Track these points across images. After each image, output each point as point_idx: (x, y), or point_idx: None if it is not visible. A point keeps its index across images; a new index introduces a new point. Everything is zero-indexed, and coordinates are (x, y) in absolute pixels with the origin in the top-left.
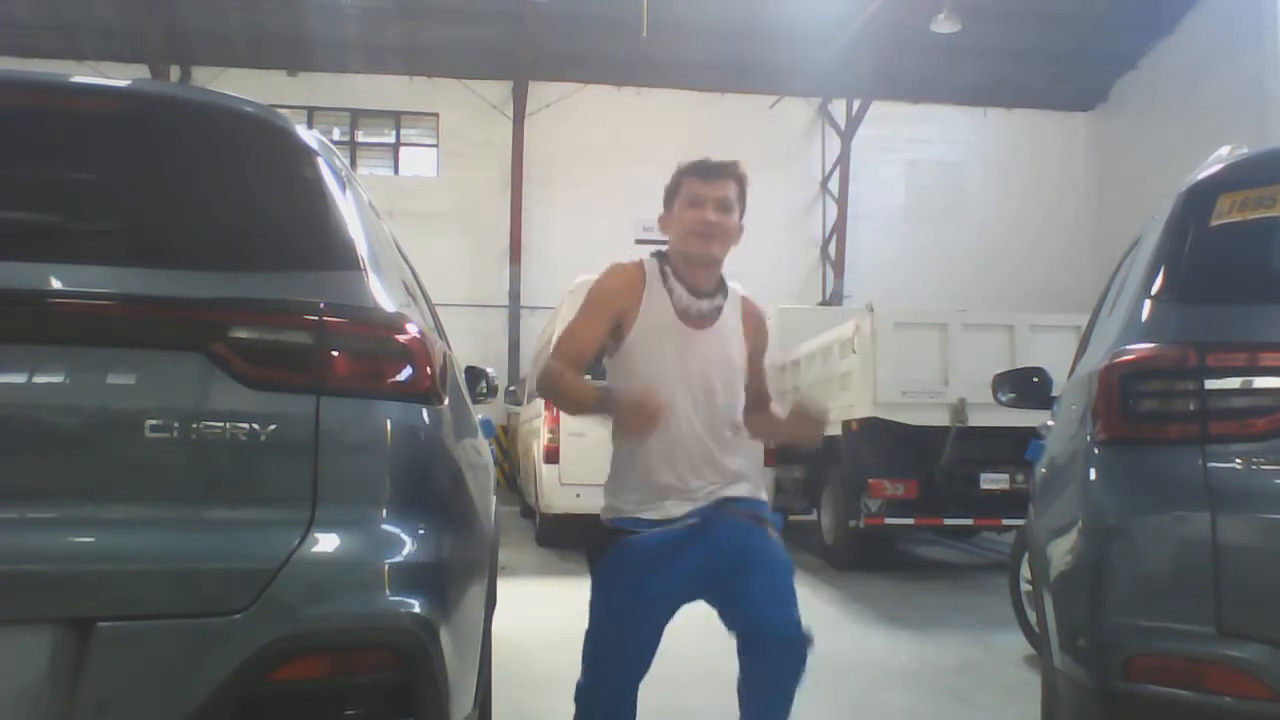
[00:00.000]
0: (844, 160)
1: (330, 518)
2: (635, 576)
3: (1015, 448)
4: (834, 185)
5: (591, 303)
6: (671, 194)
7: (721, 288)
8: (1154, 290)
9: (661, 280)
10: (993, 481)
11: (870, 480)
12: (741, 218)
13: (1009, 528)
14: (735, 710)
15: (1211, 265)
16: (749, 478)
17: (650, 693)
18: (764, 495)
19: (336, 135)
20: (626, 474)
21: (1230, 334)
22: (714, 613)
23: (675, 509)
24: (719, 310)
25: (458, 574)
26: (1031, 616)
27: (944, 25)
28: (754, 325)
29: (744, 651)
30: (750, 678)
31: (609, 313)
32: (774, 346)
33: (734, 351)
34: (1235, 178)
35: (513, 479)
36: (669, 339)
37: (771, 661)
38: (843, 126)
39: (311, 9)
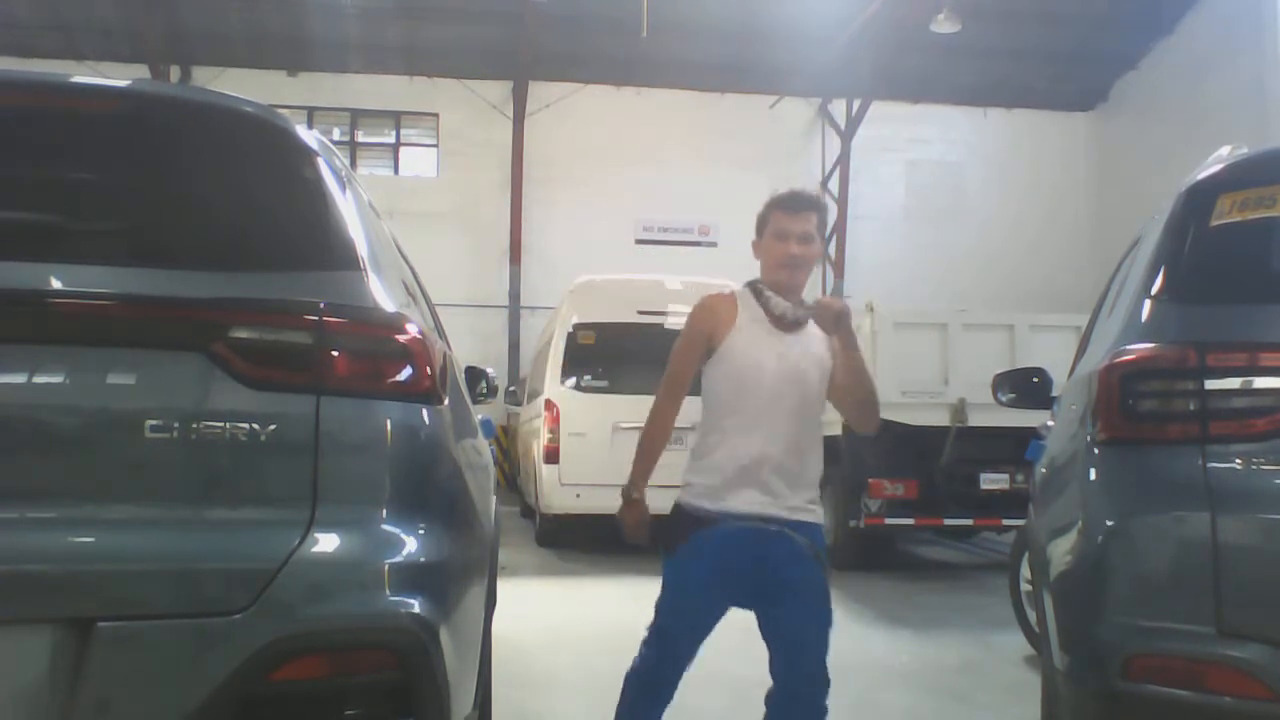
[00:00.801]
0: (844, 160)
1: (330, 518)
2: (709, 573)
3: (1015, 448)
4: (834, 185)
5: (687, 332)
6: (762, 224)
7: (803, 304)
8: (1154, 290)
9: (755, 298)
10: (993, 481)
11: (870, 480)
12: (825, 245)
13: (1009, 528)
14: (735, 710)
15: (1211, 265)
16: (817, 498)
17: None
18: (822, 521)
19: (336, 135)
20: (715, 451)
21: (1230, 334)
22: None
23: (757, 505)
24: (808, 319)
25: (458, 574)
26: (1031, 616)
27: (944, 25)
28: (824, 319)
29: (775, 680)
30: (778, 709)
31: (704, 336)
32: None
33: (823, 360)
34: (1235, 178)
35: (513, 479)
36: (765, 337)
37: (794, 697)
38: (843, 126)
39: (311, 9)
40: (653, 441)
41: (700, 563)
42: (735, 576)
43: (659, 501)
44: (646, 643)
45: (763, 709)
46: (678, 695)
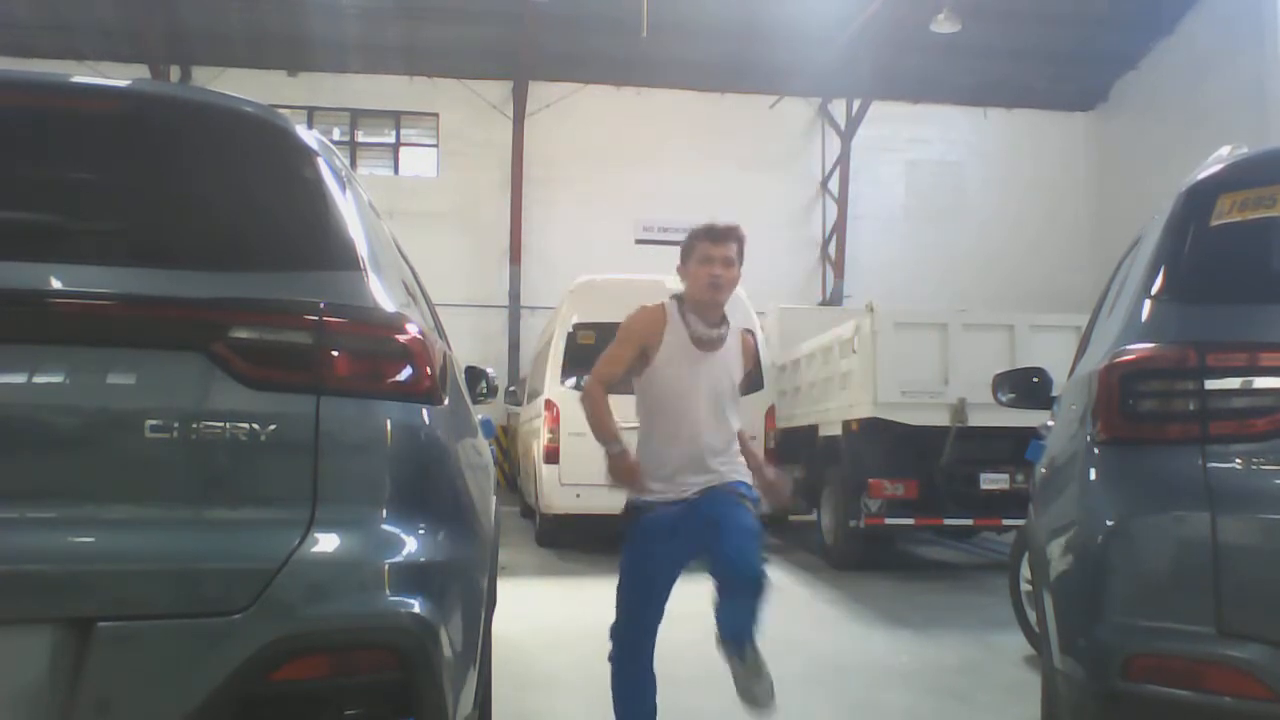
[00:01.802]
0: (844, 160)
1: (330, 518)
2: (648, 544)
3: (1015, 448)
4: (834, 185)
5: (623, 337)
6: (687, 252)
7: (724, 322)
8: (1154, 290)
9: (680, 317)
10: (993, 481)
11: (870, 480)
12: (739, 268)
13: (1009, 528)
14: (735, 709)
15: (1211, 265)
16: (736, 461)
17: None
18: (745, 476)
19: (336, 135)
20: (648, 457)
21: (1230, 334)
22: (710, 617)
23: (685, 489)
24: (723, 339)
25: (458, 574)
26: (1031, 616)
27: (944, 25)
28: (749, 354)
29: (719, 590)
30: (721, 599)
31: (637, 343)
32: (775, 346)
33: (734, 371)
34: (1235, 178)
35: (513, 479)
36: (686, 360)
37: (737, 590)
38: (843, 126)
39: (311, 9)
40: (601, 412)
41: (646, 539)
42: (676, 538)
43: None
44: (614, 625)
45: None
46: (677, 695)
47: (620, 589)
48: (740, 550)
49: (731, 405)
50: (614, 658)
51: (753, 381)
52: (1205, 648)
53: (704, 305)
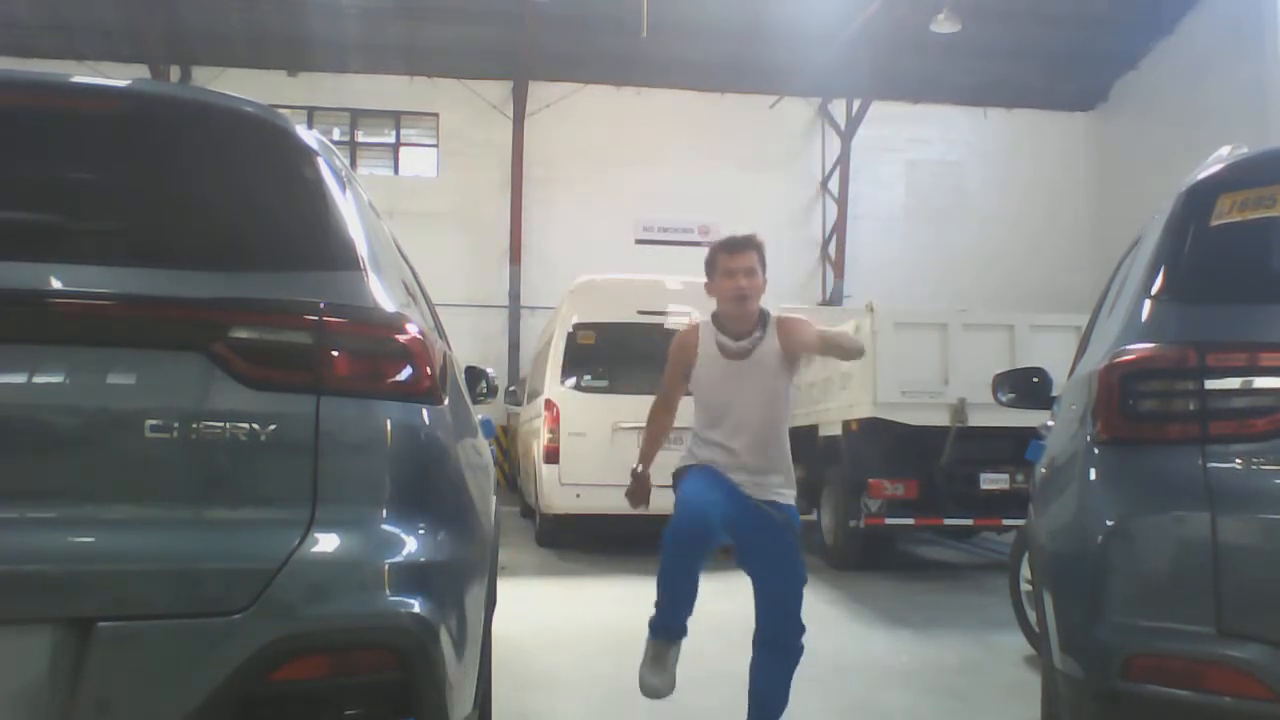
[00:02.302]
0: (844, 160)
1: (330, 518)
2: (701, 485)
3: (1015, 448)
4: (834, 185)
5: (669, 360)
6: (711, 267)
7: (759, 325)
8: (1154, 290)
9: (713, 332)
10: (993, 481)
11: (870, 480)
12: (764, 275)
13: (1009, 528)
14: (735, 710)
15: (1211, 265)
16: (787, 485)
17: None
18: (793, 502)
19: (336, 135)
20: (699, 454)
21: (1230, 334)
22: (711, 617)
23: (727, 467)
24: (755, 346)
25: (458, 574)
26: (1031, 616)
27: (944, 25)
28: (787, 334)
29: (757, 641)
30: (758, 652)
31: (679, 366)
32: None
33: (770, 377)
34: (1235, 178)
35: (513, 479)
36: (718, 371)
37: (776, 654)
38: (843, 126)
39: (311, 9)
40: (652, 434)
41: (697, 475)
42: (728, 492)
43: (660, 501)
44: (674, 516)
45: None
46: (677, 694)
47: (675, 515)
48: (788, 615)
49: (776, 415)
50: (666, 544)
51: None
52: (1205, 648)
53: (733, 317)
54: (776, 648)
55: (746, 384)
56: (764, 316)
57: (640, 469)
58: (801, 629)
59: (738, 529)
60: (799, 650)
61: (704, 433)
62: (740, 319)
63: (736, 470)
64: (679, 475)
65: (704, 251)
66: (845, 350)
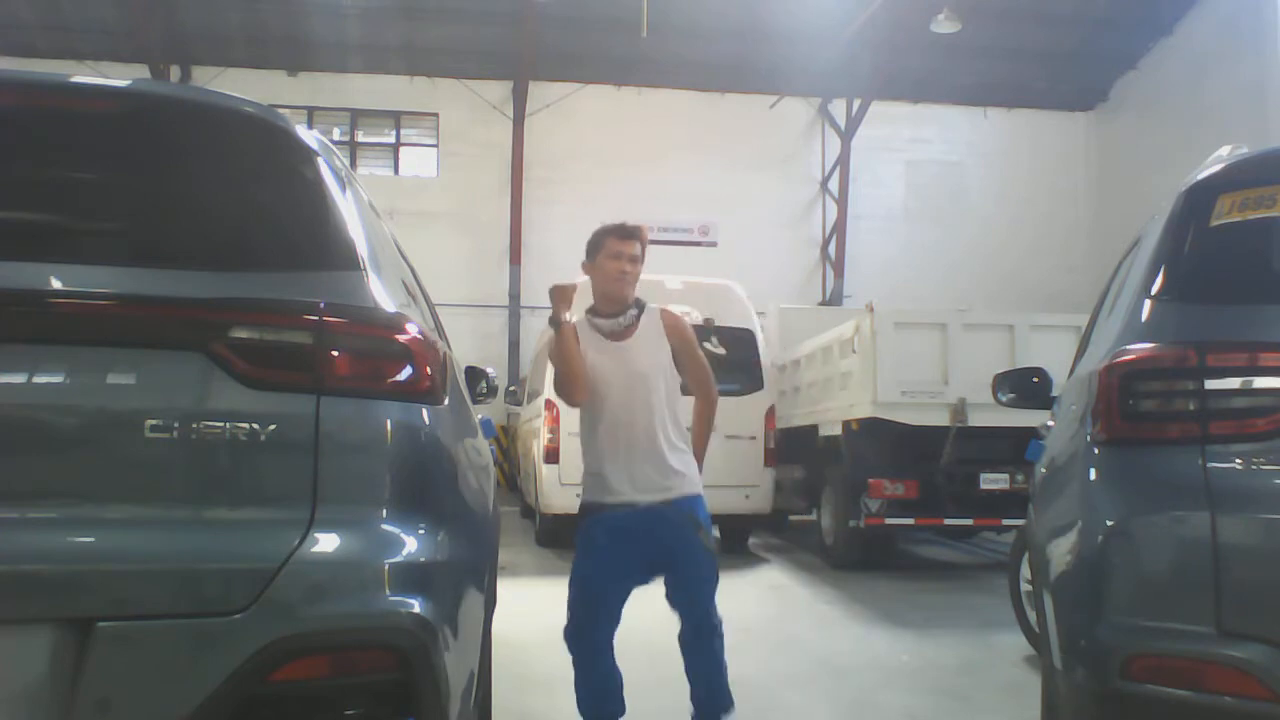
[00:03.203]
0: (844, 160)
1: (330, 518)
2: (595, 548)
3: (1015, 448)
4: (834, 185)
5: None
6: (594, 249)
7: (633, 308)
8: (1154, 290)
9: (589, 321)
10: (993, 481)
11: (870, 480)
12: (641, 267)
13: (1009, 528)
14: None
15: (1211, 265)
16: (688, 474)
17: (647, 694)
18: (699, 489)
19: (336, 135)
20: (588, 466)
21: (1230, 334)
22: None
23: (625, 496)
24: (634, 325)
25: (458, 574)
26: (1031, 616)
27: (944, 25)
28: (671, 329)
29: (681, 644)
30: (685, 655)
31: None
32: (775, 346)
33: (658, 355)
34: (1235, 178)
35: (513, 479)
36: (603, 353)
37: (691, 643)
38: (843, 126)
39: (311, 9)
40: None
41: (593, 550)
42: (623, 558)
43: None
44: (566, 630)
45: (758, 705)
46: (675, 695)
47: (570, 599)
48: (693, 601)
49: (660, 390)
50: (573, 657)
51: (752, 378)
52: (1205, 648)
53: (611, 299)
54: (700, 634)
55: (631, 359)
56: (639, 303)
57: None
58: (714, 612)
59: (641, 570)
60: (717, 627)
61: (592, 447)
62: (617, 301)
63: (625, 482)
64: (577, 526)
65: (704, 251)
66: (699, 372)
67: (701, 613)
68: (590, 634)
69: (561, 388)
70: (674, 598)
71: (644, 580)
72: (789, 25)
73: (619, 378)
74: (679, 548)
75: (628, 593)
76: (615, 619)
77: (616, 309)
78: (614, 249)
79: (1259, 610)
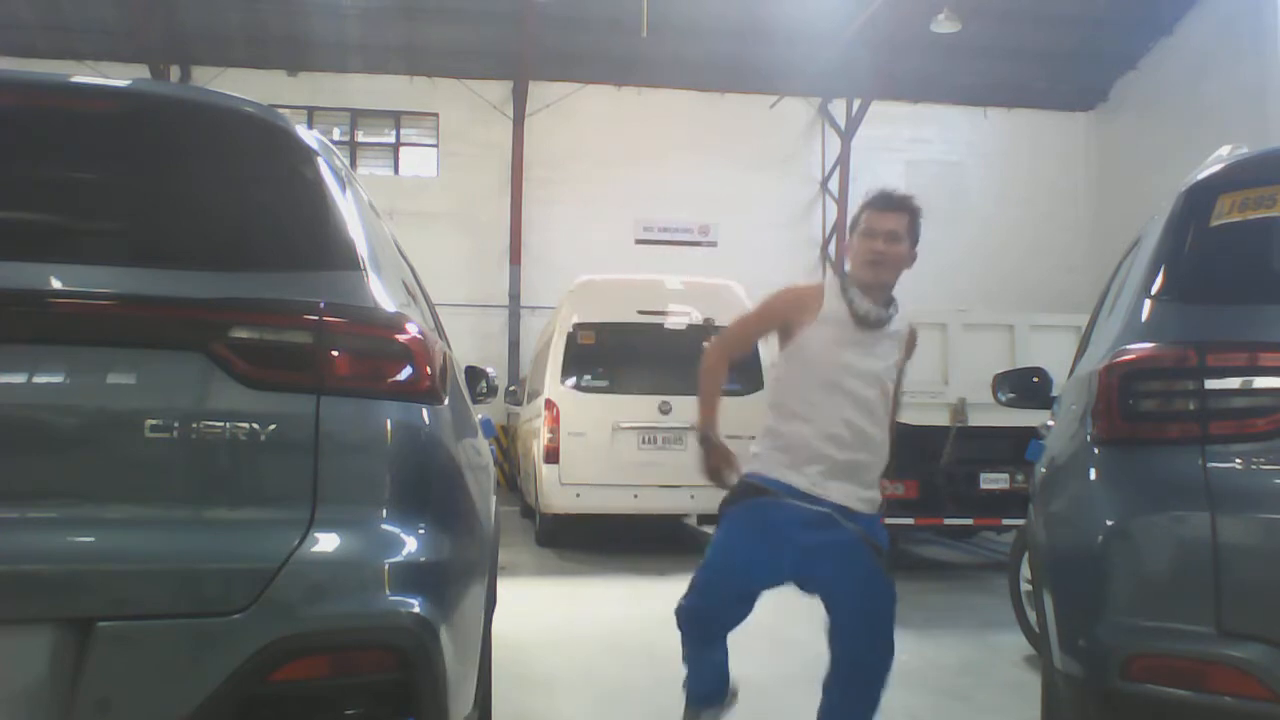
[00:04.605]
0: (844, 160)
1: (330, 518)
2: (752, 534)
3: (1015, 448)
4: (834, 185)
5: (763, 310)
6: (854, 224)
7: (893, 304)
8: (1154, 290)
9: (841, 291)
10: (993, 481)
11: None
12: (914, 246)
13: (1009, 528)
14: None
15: (1211, 265)
16: (877, 490)
17: (656, 692)
18: (876, 509)
19: (336, 135)
20: (782, 436)
21: (1230, 334)
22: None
23: (817, 486)
24: (890, 319)
25: (458, 574)
26: (1031, 616)
27: (944, 25)
28: (909, 344)
29: (831, 678)
30: (832, 690)
31: (777, 321)
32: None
33: (894, 357)
34: (1235, 178)
35: (513, 479)
36: (842, 336)
37: (851, 694)
38: (843, 126)
39: (311, 9)
40: (708, 390)
41: (752, 527)
42: (789, 544)
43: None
44: (689, 588)
45: (758, 706)
46: (677, 691)
47: (701, 570)
48: (875, 636)
49: (884, 404)
50: (682, 633)
51: (753, 379)
52: (1205, 648)
53: (864, 284)
54: (856, 681)
55: (874, 357)
56: (894, 300)
57: (707, 434)
58: (891, 652)
59: (790, 570)
60: (884, 680)
61: (784, 424)
62: (873, 289)
63: (814, 463)
64: (725, 506)
65: (704, 251)
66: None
67: (879, 644)
68: (703, 619)
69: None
70: (841, 635)
71: (796, 577)
72: (789, 25)
73: (851, 369)
74: (849, 568)
75: (765, 577)
76: (739, 614)
77: (881, 297)
78: (869, 224)
79: (1259, 610)
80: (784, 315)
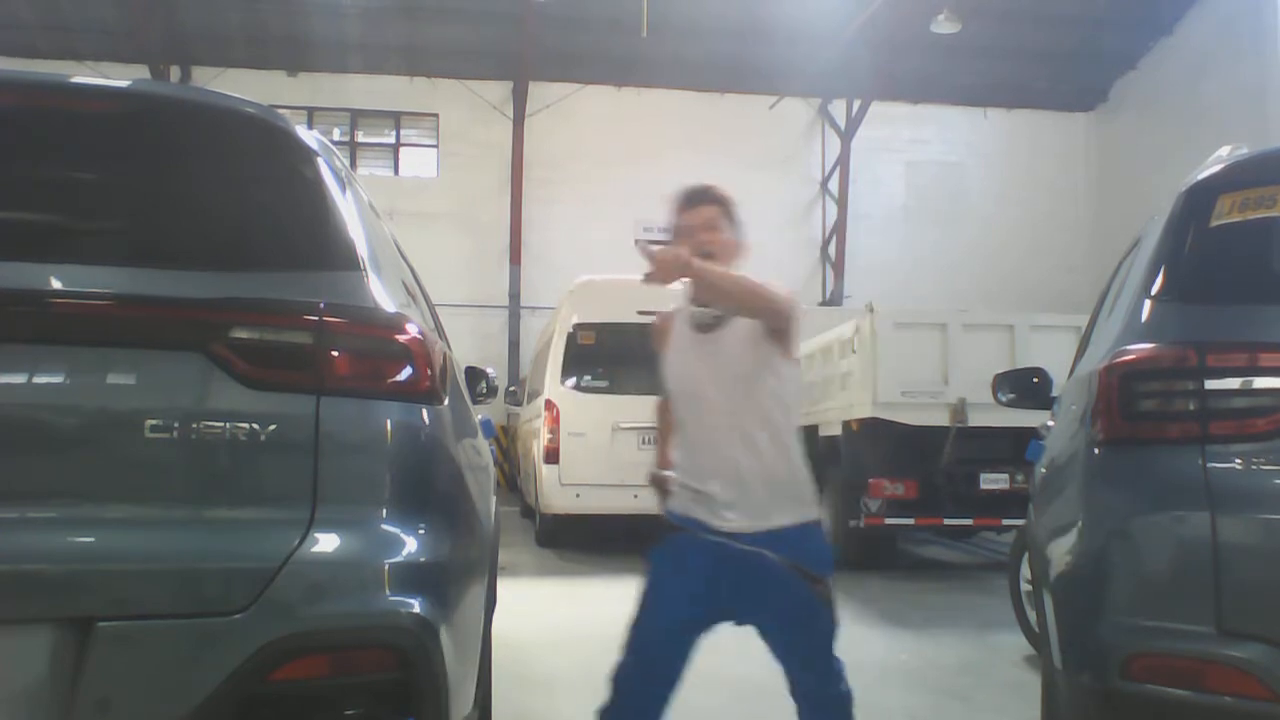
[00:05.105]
0: (844, 160)
1: (330, 518)
2: (675, 577)
3: (1015, 448)
4: (834, 185)
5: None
6: (674, 233)
7: None
8: (1154, 290)
9: (688, 310)
10: (992, 481)
11: (870, 480)
12: (737, 234)
13: (1009, 528)
14: (733, 709)
15: (1211, 265)
16: (794, 490)
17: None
18: (814, 513)
19: (336, 135)
20: (678, 466)
21: (1230, 334)
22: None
23: (717, 517)
24: (722, 317)
25: (458, 574)
26: (1031, 616)
27: (944, 25)
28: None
29: (792, 695)
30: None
31: (658, 350)
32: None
33: (743, 353)
34: (1235, 178)
35: (513, 479)
36: (688, 351)
37: (814, 714)
38: (843, 127)
39: (311, 9)
40: (661, 432)
41: (664, 569)
42: (697, 586)
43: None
44: (623, 646)
45: (758, 706)
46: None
47: (630, 626)
48: (813, 670)
49: (766, 401)
50: (614, 702)
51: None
52: (1205, 647)
53: (695, 285)
54: (813, 703)
55: (719, 364)
56: None
57: (656, 473)
58: (837, 675)
59: (716, 611)
60: (844, 695)
61: (677, 454)
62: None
63: (708, 489)
64: (654, 543)
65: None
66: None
67: (820, 677)
68: (634, 682)
69: None
70: (785, 669)
71: (723, 618)
72: (789, 25)
73: (706, 378)
74: (781, 602)
75: (694, 621)
76: (668, 670)
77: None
78: (679, 225)
79: (1259, 610)
80: (659, 349)
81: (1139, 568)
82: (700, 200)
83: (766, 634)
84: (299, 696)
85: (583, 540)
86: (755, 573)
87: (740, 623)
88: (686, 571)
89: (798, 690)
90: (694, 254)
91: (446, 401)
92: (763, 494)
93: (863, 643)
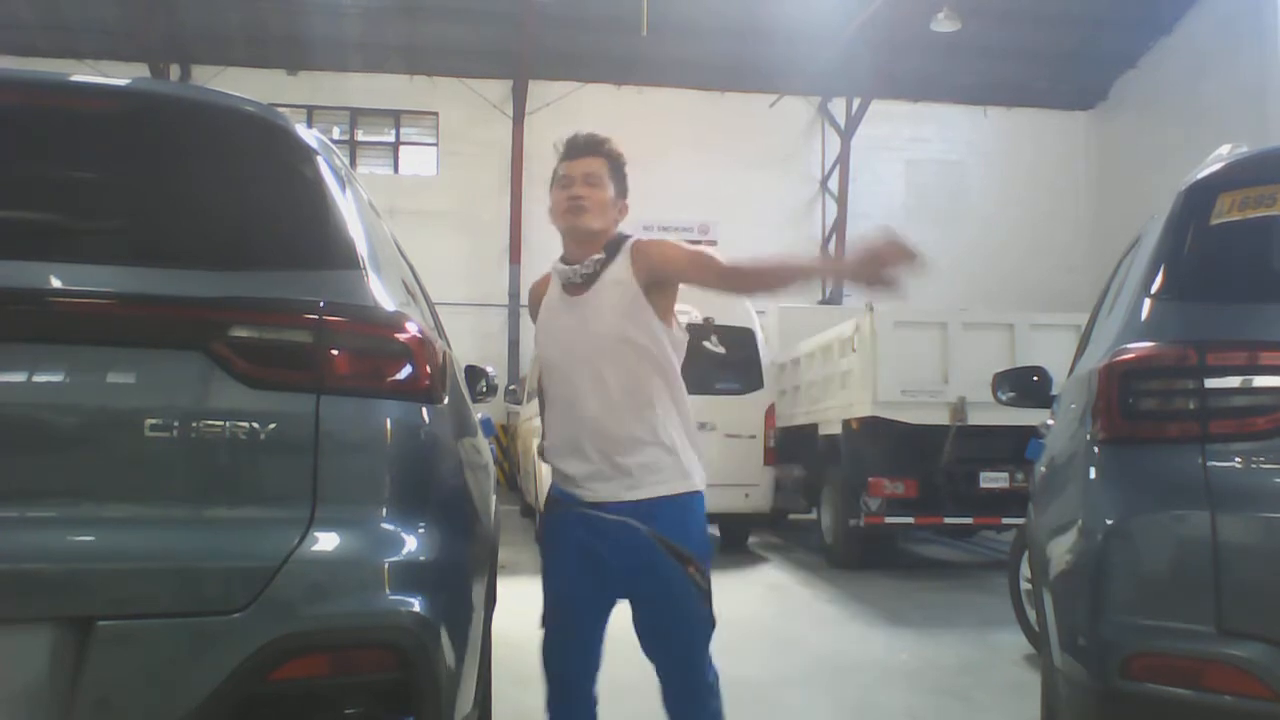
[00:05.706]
0: (844, 159)
1: (330, 517)
2: (561, 553)
3: (1015, 447)
4: (834, 184)
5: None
6: (552, 181)
7: (603, 255)
8: (1154, 289)
9: (556, 269)
10: (992, 480)
11: (870, 479)
12: (621, 196)
13: (1009, 527)
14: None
15: (1211, 264)
16: (667, 460)
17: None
18: (692, 486)
19: (336, 135)
20: (548, 428)
21: (1230, 333)
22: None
23: (586, 489)
24: (596, 270)
25: (458, 573)
26: (1031, 616)
27: (944, 25)
28: (641, 259)
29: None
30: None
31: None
32: (775, 345)
33: (617, 311)
34: (1235, 177)
35: (513, 478)
36: (556, 311)
37: (685, 711)
38: (843, 125)
39: (311, 9)
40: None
41: (552, 545)
42: (581, 562)
43: None
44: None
45: (758, 706)
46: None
47: (543, 605)
48: (677, 661)
49: (628, 361)
50: (546, 684)
51: (752, 378)
52: (1205, 647)
53: (570, 237)
54: (683, 700)
55: (588, 325)
56: (618, 241)
57: (543, 445)
58: (709, 689)
59: (602, 587)
60: (712, 688)
61: (546, 425)
62: (576, 241)
63: (575, 461)
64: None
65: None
66: (746, 276)
67: (688, 671)
68: (561, 660)
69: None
70: (644, 643)
71: (606, 590)
72: (789, 25)
73: (574, 340)
74: (645, 576)
75: (598, 605)
76: (582, 647)
77: (582, 252)
78: (562, 173)
79: (1259, 609)
80: (533, 315)
81: (1139, 567)
82: (586, 151)
83: (637, 619)
84: (299, 696)
85: None
86: (623, 545)
87: (626, 597)
88: (572, 554)
89: (667, 695)
90: (565, 207)
91: (446, 400)
92: (629, 461)
93: (862, 642)
